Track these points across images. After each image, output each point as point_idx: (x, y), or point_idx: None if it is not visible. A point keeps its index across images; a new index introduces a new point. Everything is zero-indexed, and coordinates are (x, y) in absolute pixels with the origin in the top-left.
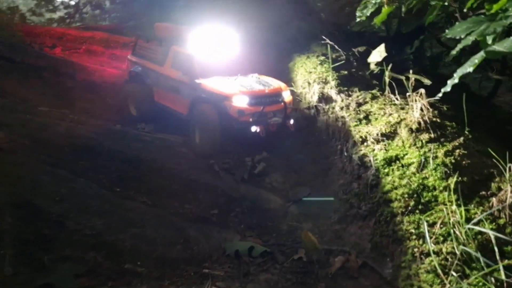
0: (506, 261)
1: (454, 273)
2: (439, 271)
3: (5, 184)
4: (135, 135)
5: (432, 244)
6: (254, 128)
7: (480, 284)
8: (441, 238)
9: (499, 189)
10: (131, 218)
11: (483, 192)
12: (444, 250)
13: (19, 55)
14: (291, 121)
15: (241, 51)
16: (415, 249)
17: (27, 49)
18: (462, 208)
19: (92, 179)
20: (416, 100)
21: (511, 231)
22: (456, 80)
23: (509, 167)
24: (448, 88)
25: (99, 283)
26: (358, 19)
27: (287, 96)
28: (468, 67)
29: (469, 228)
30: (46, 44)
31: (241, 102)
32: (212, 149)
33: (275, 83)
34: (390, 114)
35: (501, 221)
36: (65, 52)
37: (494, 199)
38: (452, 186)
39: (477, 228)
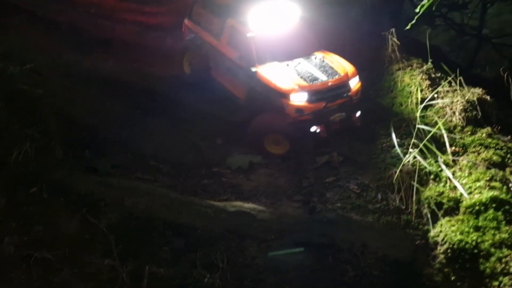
0: (453, 148)
1: (411, 150)
2: (401, 155)
3: (47, 99)
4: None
5: (398, 139)
6: (313, 128)
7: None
8: (405, 136)
9: (452, 102)
10: (151, 132)
11: (440, 104)
12: (405, 143)
13: (41, 11)
14: (358, 114)
15: (304, 26)
16: (384, 144)
17: (47, 5)
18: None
19: (117, 102)
20: (389, 39)
21: (459, 130)
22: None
23: (459, 81)
24: (413, 21)
25: (130, 172)
26: None
27: (354, 84)
28: None
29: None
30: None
31: (299, 99)
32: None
33: (340, 69)
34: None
35: (452, 124)
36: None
37: (447, 108)
38: (414, 100)
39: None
